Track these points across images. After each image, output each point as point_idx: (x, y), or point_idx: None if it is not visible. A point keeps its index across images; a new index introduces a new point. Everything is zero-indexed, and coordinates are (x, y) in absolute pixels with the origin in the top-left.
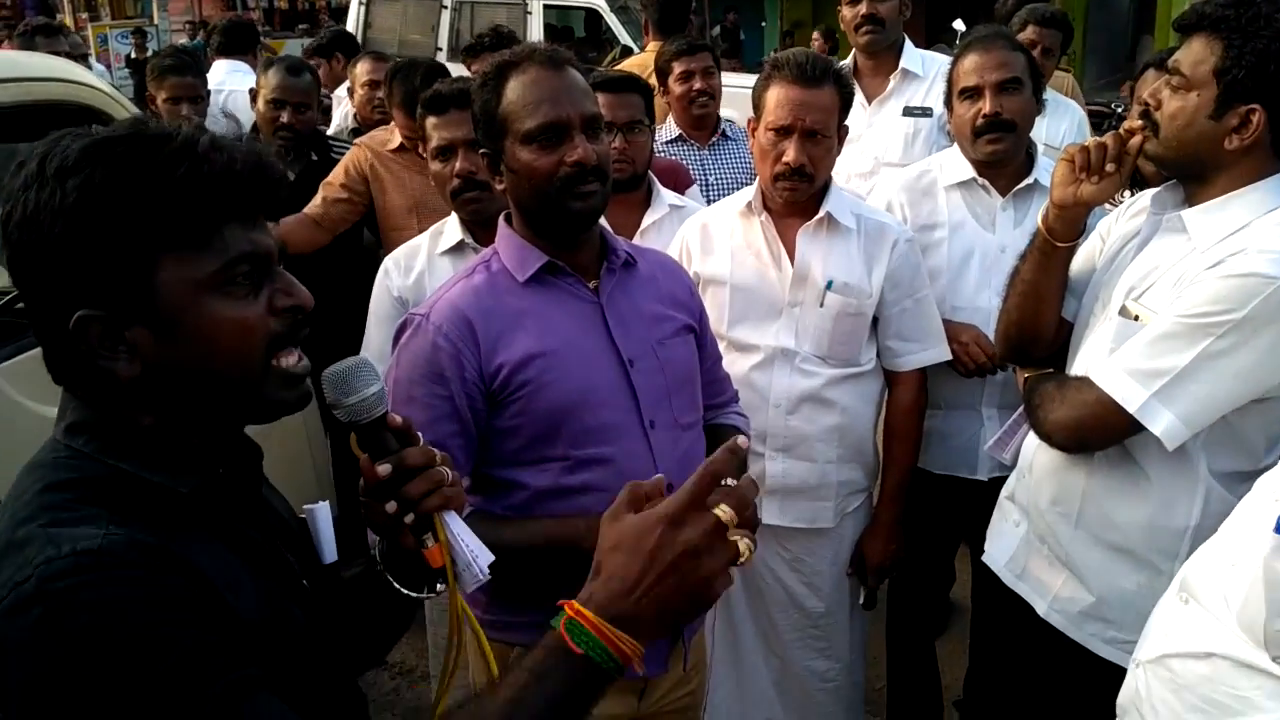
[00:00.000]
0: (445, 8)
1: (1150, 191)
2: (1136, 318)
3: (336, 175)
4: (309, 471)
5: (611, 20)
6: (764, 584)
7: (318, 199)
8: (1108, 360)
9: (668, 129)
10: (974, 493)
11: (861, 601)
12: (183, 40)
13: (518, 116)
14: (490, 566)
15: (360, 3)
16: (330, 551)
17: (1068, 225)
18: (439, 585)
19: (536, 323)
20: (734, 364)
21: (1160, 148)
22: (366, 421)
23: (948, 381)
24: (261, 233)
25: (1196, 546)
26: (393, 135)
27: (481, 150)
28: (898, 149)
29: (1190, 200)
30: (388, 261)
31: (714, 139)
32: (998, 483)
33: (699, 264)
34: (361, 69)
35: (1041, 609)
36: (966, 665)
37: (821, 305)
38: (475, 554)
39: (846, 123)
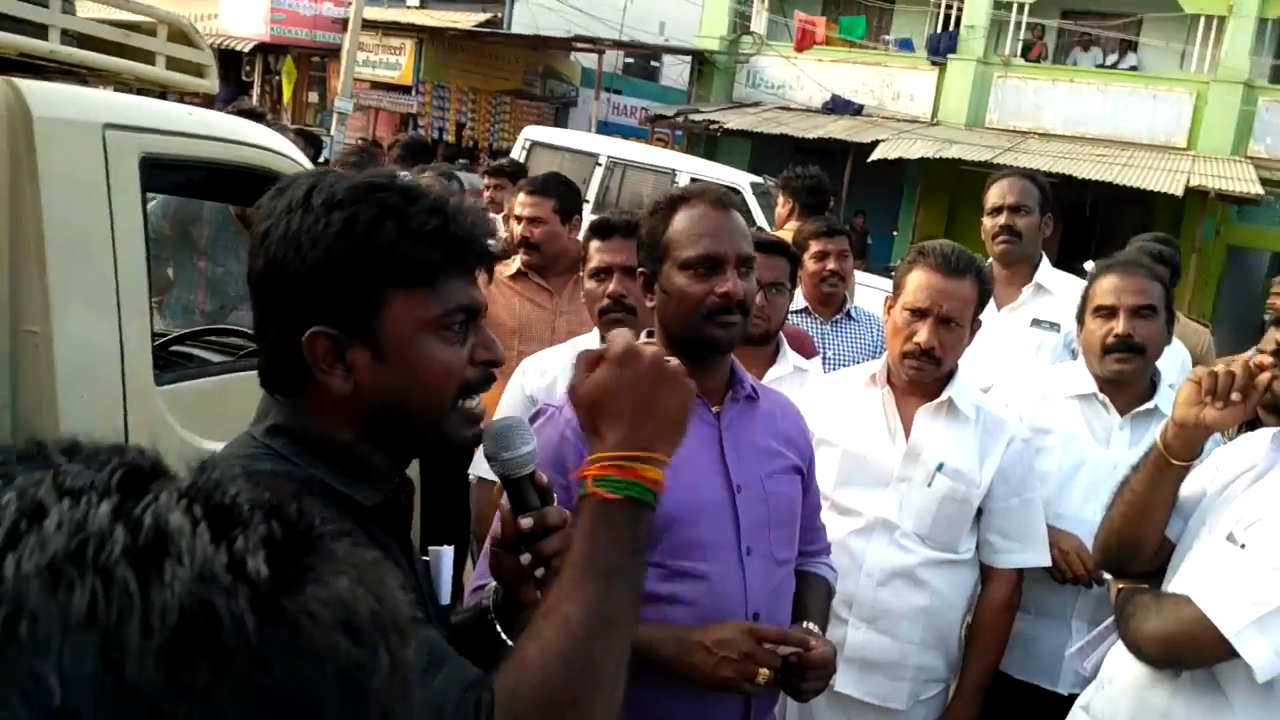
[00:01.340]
0: (599, 165)
1: (1272, 430)
2: (1244, 546)
3: None
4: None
5: (750, 199)
6: None
7: None
8: (1211, 583)
9: (796, 301)
10: (1051, 706)
11: None
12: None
13: (680, 245)
14: None
15: (524, 147)
16: (446, 594)
17: (1186, 445)
18: None
19: None
20: (834, 527)
21: None
22: (516, 477)
23: (1041, 588)
24: (477, 289)
25: None
26: (512, 264)
27: (640, 270)
28: (1022, 358)
29: None
30: (526, 364)
31: (838, 316)
32: (1075, 699)
33: (815, 423)
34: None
35: None
36: None
37: (929, 485)
38: None
39: (981, 318)
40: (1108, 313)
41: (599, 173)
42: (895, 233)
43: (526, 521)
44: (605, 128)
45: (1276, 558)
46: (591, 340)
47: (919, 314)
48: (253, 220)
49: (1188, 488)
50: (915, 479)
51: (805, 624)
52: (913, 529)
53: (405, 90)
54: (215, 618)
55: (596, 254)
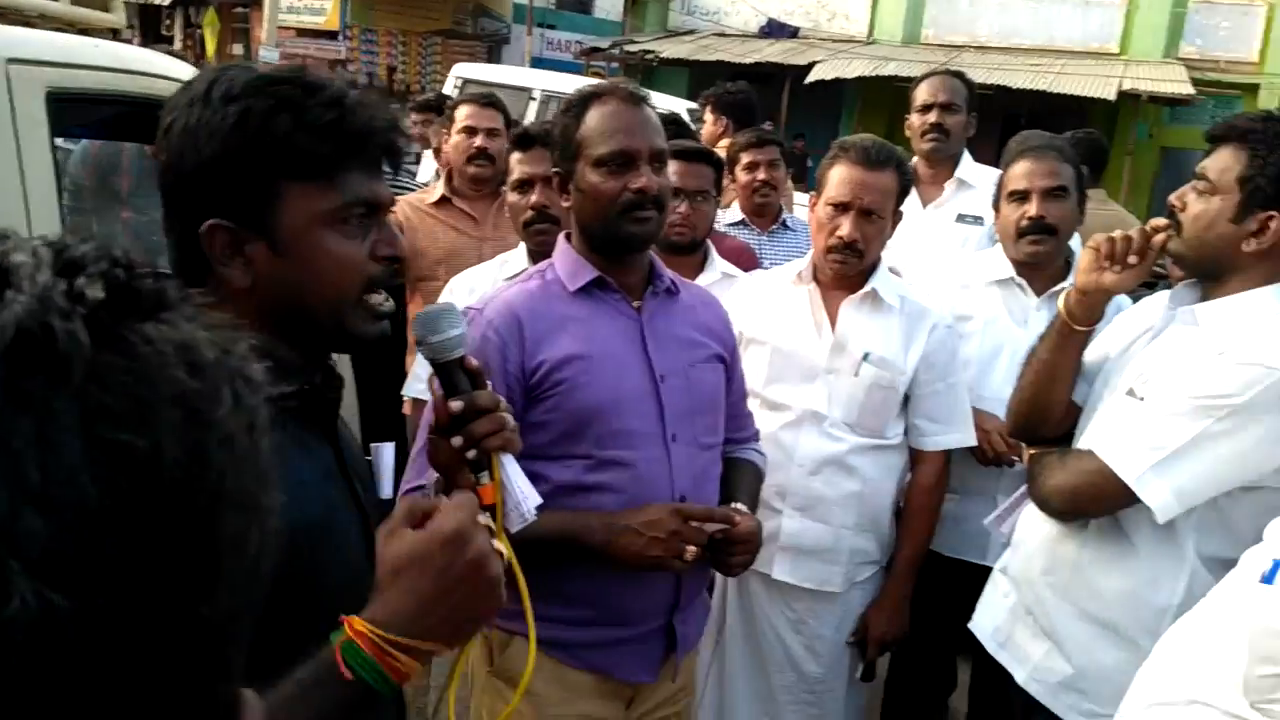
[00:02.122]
0: (534, 99)
1: (1168, 290)
2: (1143, 399)
3: None
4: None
5: (694, 128)
6: (764, 641)
7: None
8: (1110, 433)
9: (732, 212)
10: (981, 579)
11: (860, 674)
12: None
13: (593, 142)
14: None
15: (456, 86)
16: (388, 488)
17: (1087, 310)
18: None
19: (580, 328)
20: (765, 422)
21: (1182, 246)
22: (445, 361)
23: (968, 468)
24: (379, 184)
25: None
26: (434, 190)
27: (555, 170)
28: (948, 253)
29: (1206, 297)
30: (453, 283)
31: (774, 227)
32: None
33: (745, 323)
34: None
35: (1021, 677)
36: None
37: (856, 375)
38: (525, 496)
39: (906, 215)
40: (1021, 196)
41: (533, 107)
42: None
43: (456, 404)
44: (539, 64)
45: (1171, 405)
46: (519, 258)
47: (841, 208)
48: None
49: (1092, 352)
50: (842, 370)
51: (734, 503)
52: (841, 418)
53: (332, 36)
54: (50, 334)
55: (518, 166)
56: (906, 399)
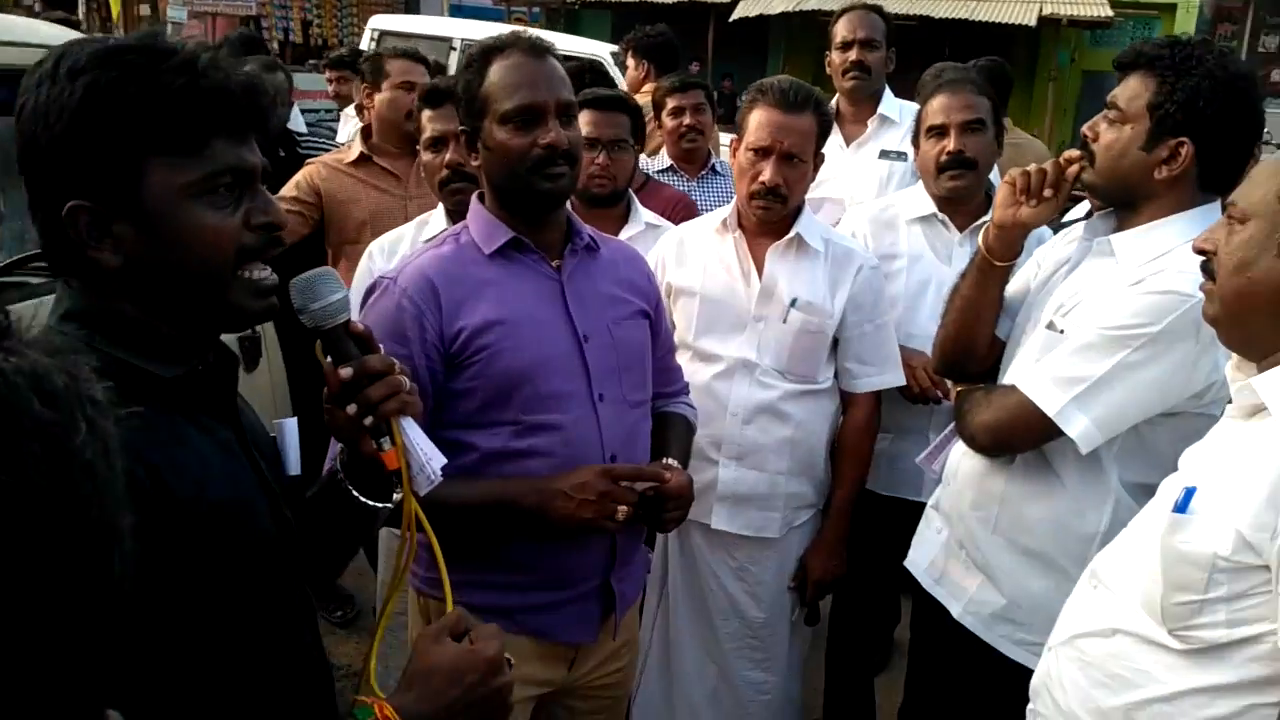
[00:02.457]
0: (454, 50)
1: (1084, 220)
2: (1062, 332)
3: (289, 188)
4: (268, 395)
5: (614, 72)
6: (708, 590)
7: None
8: (1032, 368)
9: (660, 159)
10: (917, 515)
11: (803, 617)
12: None
13: (497, 98)
14: (442, 469)
15: (372, 39)
16: (295, 464)
17: (1006, 245)
18: (395, 494)
19: (498, 292)
20: (696, 373)
21: (1095, 176)
22: (330, 327)
23: (898, 407)
24: (248, 151)
25: None
26: (351, 149)
27: (461, 129)
28: (872, 190)
29: (1121, 227)
30: (372, 247)
31: (703, 172)
32: None
33: (673, 274)
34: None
35: (956, 611)
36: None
37: (784, 321)
38: (429, 457)
39: (824, 152)
40: (939, 131)
41: (455, 57)
42: None
43: (346, 371)
44: (459, 12)
45: (1089, 337)
46: (439, 218)
47: (762, 153)
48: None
49: (1013, 287)
50: (771, 317)
51: (665, 460)
52: (772, 365)
53: None
54: None
55: (429, 123)
56: (836, 342)
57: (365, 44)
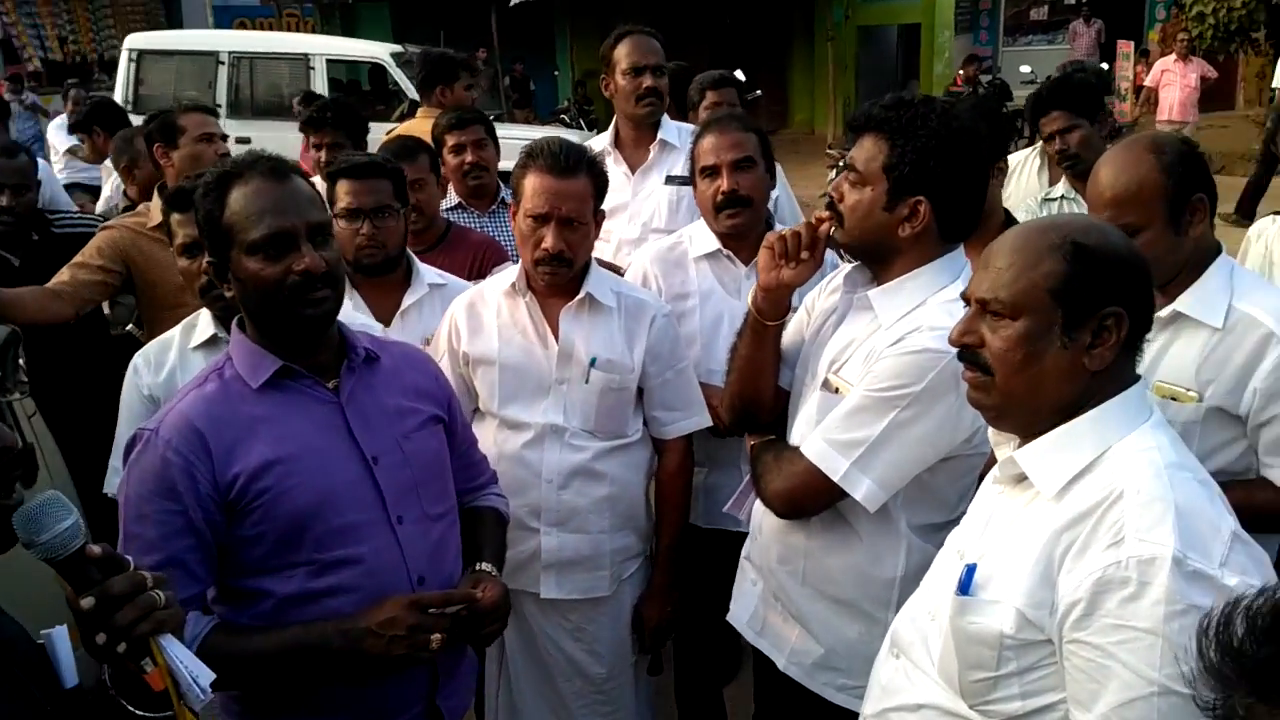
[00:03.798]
0: (222, 64)
1: (844, 269)
2: (837, 390)
3: (89, 253)
4: (45, 588)
5: (397, 74)
6: (547, 655)
7: (64, 274)
8: (813, 432)
9: (450, 197)
10: (740, 543)
11: (641, 666)
12: None
13: (242, 227)
14: (213, 685)
15: (130, 60)
16: (70, 676)
17: (774, 305)
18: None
19: (272, 429)
20: (506, 441)
21: (845, 236)
22: (64, 557)
23: (710, 440)
24: None
25: (905, 594)
26: (152, 214)
27: (208, 260)
28: (664, 216)
29: (876, 280)
30: (137, 358)
31: (493, 206)
32: None
33: (468, 344)
34: (192, 122)
35: (781, 663)
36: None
37: (587, 381)
38: (195, 675)
39: (603, 208)
40: (712, 171)
41: (224, 72)
42: (557, 73)
43: (88, 601)
44: (226, 13)
45: (859, 400)
46: (205, 322)
47: (541, 219)
48: None
49: (788, 338)
50: (573, 378)
51: (478, 565)
52: (580, 426)
53: None
54: None
55: (180, 228)
56: (640, 392)
57: (122, 65)
